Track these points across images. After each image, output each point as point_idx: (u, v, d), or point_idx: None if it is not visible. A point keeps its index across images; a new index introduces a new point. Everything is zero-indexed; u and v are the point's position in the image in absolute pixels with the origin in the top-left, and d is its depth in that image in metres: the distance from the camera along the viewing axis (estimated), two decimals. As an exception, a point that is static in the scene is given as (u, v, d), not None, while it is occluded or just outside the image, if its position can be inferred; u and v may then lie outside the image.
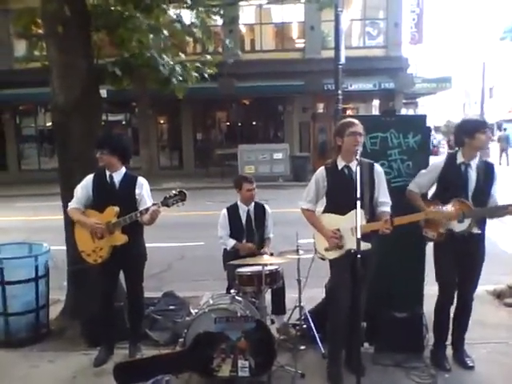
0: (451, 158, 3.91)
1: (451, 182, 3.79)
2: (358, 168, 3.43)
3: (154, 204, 3.81)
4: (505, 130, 27.31)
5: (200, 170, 21.07)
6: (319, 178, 3.78)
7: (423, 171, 4.04)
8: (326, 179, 3.75)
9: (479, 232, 3.76)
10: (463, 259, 3.79)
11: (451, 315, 3.97)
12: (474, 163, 3.80)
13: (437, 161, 4.01)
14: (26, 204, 14.54)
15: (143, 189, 4.05)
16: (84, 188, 4.06)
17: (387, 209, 3.67)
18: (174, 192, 3.76)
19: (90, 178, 4.09)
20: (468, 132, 3.80)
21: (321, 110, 22.15)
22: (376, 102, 21.81)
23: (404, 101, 24.21)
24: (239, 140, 20.22)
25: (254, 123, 22.89)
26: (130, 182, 4.06)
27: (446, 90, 25.41)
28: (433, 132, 28.55)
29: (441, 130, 37.40)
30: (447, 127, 37.44)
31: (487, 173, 3.81)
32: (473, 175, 3.77)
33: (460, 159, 3.82)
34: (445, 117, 44.14)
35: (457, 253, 3.76)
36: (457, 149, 3.92)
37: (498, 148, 24.52)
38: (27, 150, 22.67)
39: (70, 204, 4.10)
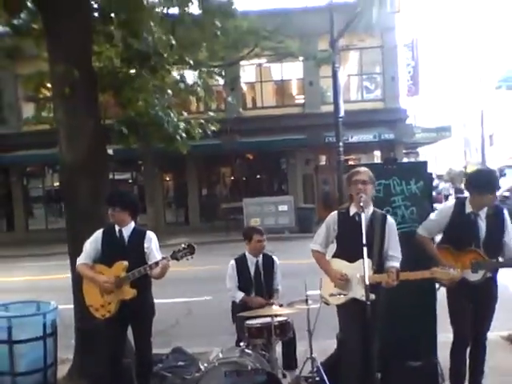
0: (460, 205, 3.89)
1: (461, 232, 3.80)
2: (363, 215, 3.51)
3: (163, 258, 3.85)
4: (504, 175, 27.50)
5: (206, 224, 21.13)
6: (331, 222, 3.83)
7: (432, 217, 4.06)
8: (337, 224, 3.79)
9: (490, 275, 3.76)
10: (477, 301, 3.77)
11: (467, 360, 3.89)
12: (483, 212, 3.81)
13: (446, 206, 4.04)
14: (33, 264, 14.54)
15: (152, 243, 4.09)
16: (93, 243, 4.11)
17: (396, 264, 3.67)
18: (183, 245, 3.81)
19: (99, 232, 4.15)
20: (478, 189, 3.77)
21: (323, 162, 22.50)
22: (377, 153, 22.13)
23: (404, 151, 24.55)
24: (244, 194, 20.40)
25: (258, 177, 23.18)
26: (139, 236, 4.12)
27: (446, 139, 25.80)
28: (436, 180, 28.77)
29: (443, 178, 37.66)
30: (449, 175, 37.74)
31: (497, 219, 3.82)
32: (482, 225, 3.79)
33: (468, 209, 3.83)
34: (446, 165, 44.57)
35: (470, 296, 3.74)
36: (465, 195, 3.94)
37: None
38: (35, 210, 22.96)
39: (78, 259, 4.13)
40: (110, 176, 14.41)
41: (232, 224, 18.76)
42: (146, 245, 4.06)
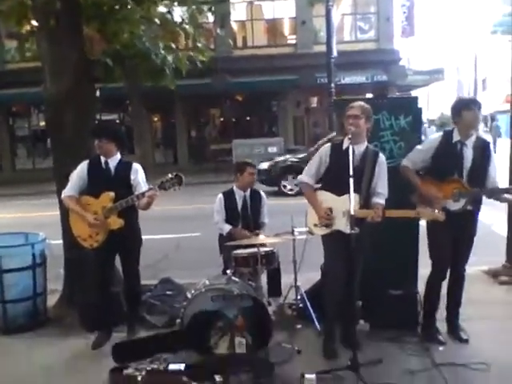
0: (447, 135, 3.91)
1: (446, 161, 3.82)
2: (352, 147, 3.54)
3: (150, 188, 3.84)
4: (496, 120, 27.52)
5: (194, 165, 21.06)
6: (323, 153, 3.83)
7: (418, 147, 4.06)
8: (329, 156, 3.79)
9: (471, 209, 3.82)
10: (457, 234, 3.85)
11: (443, 291, 4.03)
12: (471, 142, 3.83)
13: (433, 137, 4.05)
14: (22, 201, 14.52)
15: (138, 174, 4.08)
16: (79, 174, 4.08)
17: (382, 201, 3.70)
18: (170, 176, 3.78)
19: (84, 164, 4.12)
20: (456, 111, 3.86)
21: (314, 104, 22.21)
22: (369, 95, 21.85)
23: (397, 93, 24.28)
24: (233, 136, 20.24)
25: (247, 118, 22.93)
26: (125, 167, 4.11)
27: (439, 82, 25.49)
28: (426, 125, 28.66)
29: (435, 123, 37.51)
30: (441, 120, 37.57)
31: (483, 151, 3.85)
32: (469, 154, 3.81)
33: (456, 137, 3.85)
34: (438, 110, 44.27)
35: (451, 228, 3.80)
36: (453, 126, 3.95)
37: (491, 139, 24.68)
38: (21, 150, 22.69)
39: (64, 191, 4.12)
40: (97, 117, 14.24)
41: (221, 165, 18.74)
42: (132, 176, 4.05)
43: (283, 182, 13.62)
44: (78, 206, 4.04)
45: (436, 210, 3.56)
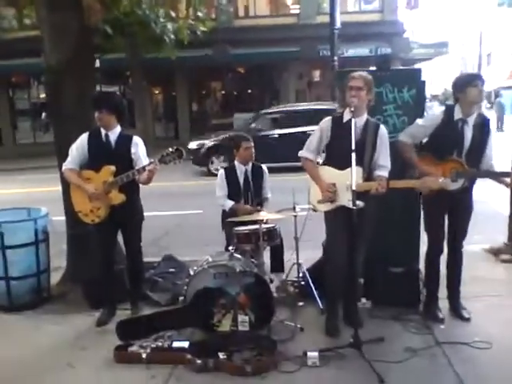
0: (449, 112, 3.83)
1: (447, 139, 3.76)
2: (354, 120, 3.46)
3: (151, 162, 3.80)
4: (500, 96, 27.16)
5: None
6: (324, 127, 3.74)
7: (419, 122, 3.98)
8: (331, 130, 3.71)
9: (466, 185, 3.78)
10: (452, 209, 3.85)
11: (441, 269, 4.03)
12: (472, 120, 3.77)
13: (435, 113, 3.96)
14: (25, 177, 14.47)
15: (138, 147, 4.03)
16: (79, 147, 4.02)
17: (385, 173, 3.64)
18: (170, 149, 3.74)
19: (84, 137, 4.05)
20: (459, 87, 3.78)
21: (317, 78, 21.91)
22: (372, 69, 21.56)
23: (401, 67, 23.95)
24: (235, 109, 20.04)
25: (249, 91, 22.65)
26: (125, 140, 4.04)
27: (443, 56, 25.06)
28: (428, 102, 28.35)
29: (438, 98, 37.14)
30: (444, 95, 37.19)
31: (482, 128, 3.80)
32: (469, 133, 3.75)
33: (458, 115, 3.78)
34: (442, 86, 43.74)
35: (445, 203, 3.79)
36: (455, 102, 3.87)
37: (495, 116, 24.40)
38: (21, 123, 22.48)
39: (64, 164, 4.07)
40: (97, 89, 14.07)
41: (223, 140, 18.61)
42: (132, 150, 3.99)
43: (210, 162, 13.23)
44: (78, 178, 4.01)
45: (440, 179, 3.52)
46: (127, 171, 3.83)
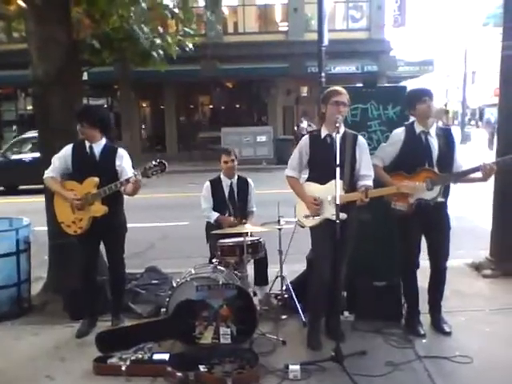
0: (410, 127, 3.94)
1: (414, 152, 3.84)
2: (338, 136, 3.50)
3: (134, 175, 3.78)
4: (484, 114, 27.66)
5: (183, 153, 20.95)
6: (303, 145, 3.81)
7: (384, 144, 4.09)
8: (309, 147, 3.76)
9: (443, 200, 3.84)
10: (428, 227, 3.89)
11: (423, 283, 4.05)
12: (433, 130, 3.88)
13: (396, 132, 4.00)
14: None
15: (123, 160, 4.02)
16: (62, 158, 4.01)
17: (369, 182, 3.67)
18: (153, 162, 3.71)
19: (69, 148, 4.04)
20: (409, 104, 3.93)
21: (305, 94, 22.13)
22: (359, 85, 21.82)
23: (387, 84, 24.28)
24: (222, 123, 20.10)
25: (237, 106, 22.79)
26: (110, 153, 4.03)
27: (429, 73, 25.48)
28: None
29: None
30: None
31: (446, 138, 3.89)
32: (434, 143, 3.84)
33: (418, 129, 3.88)
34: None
35: (421, 221, 3.84)
36: (412, 119, 3.98)
37: (488, 134, 24.60)
38: (7, 134, 22.33)
39: (46, 172, 4.04)
40: (85, 101, 14.04)
41: (209, 154, 18.62)
42: (117, 162, 3.98)
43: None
44: (59, 186, 3.98)
45: (416, 183, 3.59)
46: (111, 183, 3.81)
